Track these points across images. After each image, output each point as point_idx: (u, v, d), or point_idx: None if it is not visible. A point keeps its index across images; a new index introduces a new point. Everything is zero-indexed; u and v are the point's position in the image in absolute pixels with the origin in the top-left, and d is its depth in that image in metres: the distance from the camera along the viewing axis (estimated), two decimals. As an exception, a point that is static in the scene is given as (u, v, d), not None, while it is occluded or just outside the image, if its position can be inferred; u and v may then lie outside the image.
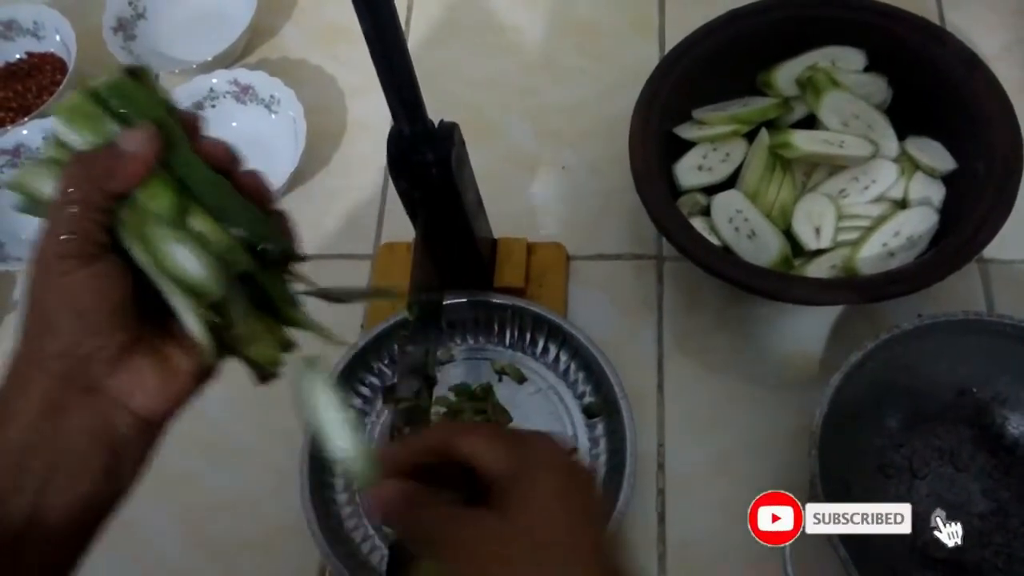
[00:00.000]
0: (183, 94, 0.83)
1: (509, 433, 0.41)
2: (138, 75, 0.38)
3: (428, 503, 0.37)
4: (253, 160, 0.87)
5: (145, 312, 0.38)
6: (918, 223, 0.65)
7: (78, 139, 0.37)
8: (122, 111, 0.37)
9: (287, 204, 0.79)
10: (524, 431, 0.41)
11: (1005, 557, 0.58)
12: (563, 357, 0.68)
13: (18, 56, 0.91)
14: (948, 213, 0.66)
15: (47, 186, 0.37)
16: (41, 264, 0.37)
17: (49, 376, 0.36)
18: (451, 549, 0.36)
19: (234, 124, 0.85)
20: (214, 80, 0.83)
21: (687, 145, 0.72)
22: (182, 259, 0.36)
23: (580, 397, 0.67)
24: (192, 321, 0.37)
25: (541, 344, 0.69)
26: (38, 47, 0.91)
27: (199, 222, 0.37)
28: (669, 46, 0.72)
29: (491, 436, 0.38)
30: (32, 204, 0.38)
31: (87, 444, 0.37)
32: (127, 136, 0.37)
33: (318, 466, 0.64)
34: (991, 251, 0.67)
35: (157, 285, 0.37)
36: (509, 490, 0.36)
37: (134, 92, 0.38)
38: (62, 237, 0.36)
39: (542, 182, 0.79)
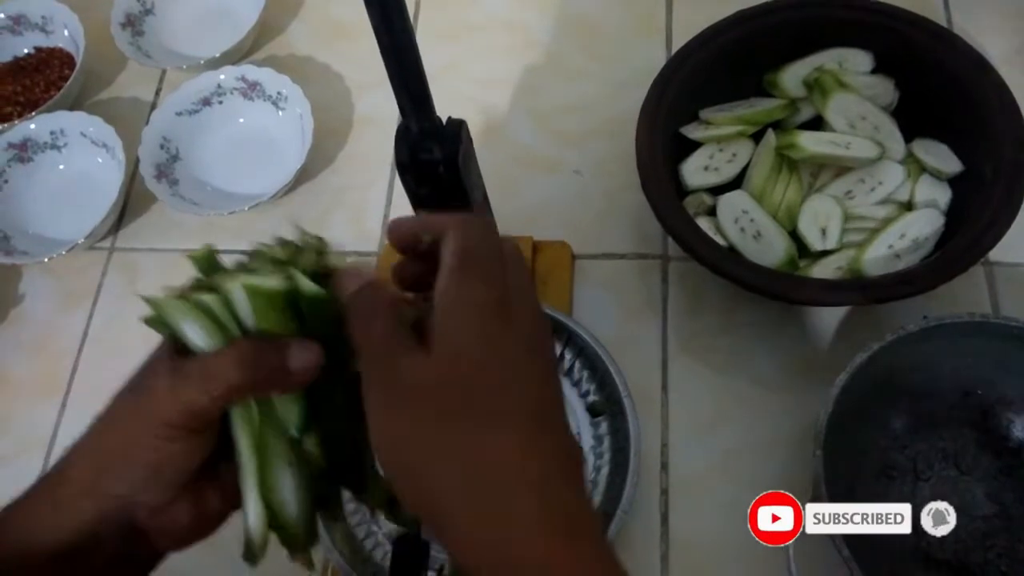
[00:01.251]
0: (190, 90, 0.83)
1: (476, 241, 0.33)
2: (321, 250, 0.37)
3: (387, 306, 0.33)
4: (259, 157, 0.89)
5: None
6: (924, 225, 0.65)
7: (250, 319, 0.35)
8: (301, 311, 0.35)
9: (293, 201, 0.80)
10: (499, 240, 0.35)
11: (1008, 560, 0.58)
12: (567, 356, 0.68)
13: (26, 50, 0.91)
14: (954, 215, 0.66)
15: (190, 329, 0.35)
16: (143, 414, 0.34)
17: (93, 508, 0.35)
18: (369, 376, 0.32)
19: (241, 120, 0.85)
20: (221, 76, 0.84)
21: (693, 145, 0.72)
22: (287, 491, 0.35)
23: (584, 396, 0.67)
24: (256, 527, 0.36)
25: (546, 343, 0.69)
26: (46, 42, 0.91)
27: (311, 443, 0.36)
28: (676, 46, 0.72)
29: (461, 225, 0.33)
30: (160, 323, 0.36)
31: (103, 570, 0.36)
32: (299, 351, 0.34)
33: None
34: (997, 254, 0.67)
35: (241, 476, 0.35)
36: (443, 305, 0.32)
37: (319, 302, 0.35)
38: (182, 407, 0.33)
39: (547, 181, 0.79)
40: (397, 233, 0.36)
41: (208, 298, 0.35)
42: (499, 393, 0.31)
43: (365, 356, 0.33)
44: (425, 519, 0.32)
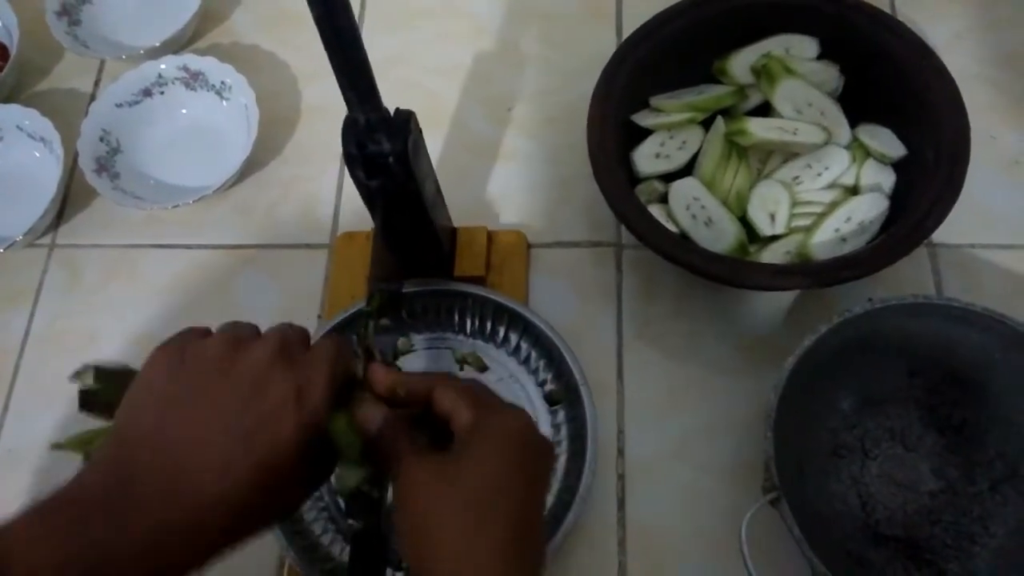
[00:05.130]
0: (130, 80, 0.81)
1: (487, 396, 0.43)
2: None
3: (402, 435, 0.41)
4: (204, 149, 0.87)
5: None
6: (869, 209, 0.66)
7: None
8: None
9: (240, 193, 0.79)
10: (506, 402, 0.44)
11: (954, 533, 0.60)
12: (524, 345, 0.68)
13: (-44, 41, 0.88)
14: (898, 199, 0.67)
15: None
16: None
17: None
18: (401, 478, 0.40)
19: (184, 111, 0.83)
20: (162, 66, 0.81)
21: (645, 133, 0.72)
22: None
23: (541, 385, 0.67)
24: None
25: (502, 332, 0.69)
26: (-23, 32, 0.88)
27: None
28: (626, 33, 0.72)
29: (464, 393, 0.42)
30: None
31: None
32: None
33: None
34: (940, 236, 0.69)
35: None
36: (466, 444, 0.40)
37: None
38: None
39: (501, 170, 0.78)
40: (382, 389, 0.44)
41: None
42: (498, 515, 0.39)
43: (404, 471, 0.40)
44: (416, 568, 0.39)
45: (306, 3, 0.45)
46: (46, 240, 0.80)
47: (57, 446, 0.41)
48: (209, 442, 0.38)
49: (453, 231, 0.71)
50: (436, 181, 0.63)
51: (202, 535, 0.37)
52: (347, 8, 0.46)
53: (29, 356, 0.75)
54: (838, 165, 0.68)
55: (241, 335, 0.42)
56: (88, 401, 0.42)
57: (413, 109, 0.55)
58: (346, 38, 0.47)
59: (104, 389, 0.42)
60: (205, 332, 0.43)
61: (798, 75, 0.70)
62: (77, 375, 0.43)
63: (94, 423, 0.42)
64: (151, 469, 0.37)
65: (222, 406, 0.39)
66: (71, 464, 0.38)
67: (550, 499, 0.63)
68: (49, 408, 0.72)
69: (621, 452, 0.66)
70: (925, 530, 0.60)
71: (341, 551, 0.63)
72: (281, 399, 0.39)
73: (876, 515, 0.61)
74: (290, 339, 0.42)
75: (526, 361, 0.68)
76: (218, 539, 0.38)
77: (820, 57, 0.72)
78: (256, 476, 0.38)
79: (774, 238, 0.67)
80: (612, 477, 0.65)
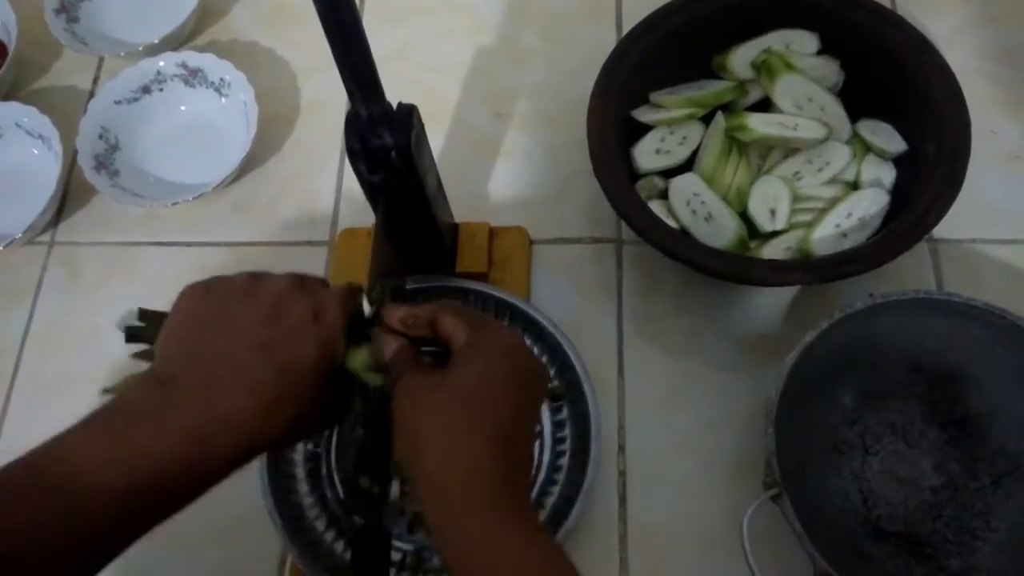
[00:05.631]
0: (129, 77, 0.81)
1: (484, 319, 0.47)
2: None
3: (413, 358, 0.46)
4: (203, 145, 0.87)
5: None
6: (870, 204, 0.66)
7: None
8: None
9: (240, 190, 0.79)
10: (499, 323, 0.49)
11: (956, 528, 0.60)
12: (527, 342, 0.68)
13: (-46, 38, 0.87)
14: (899, 194, 0.67)
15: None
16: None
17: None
18: (399, 388, 0.44)
19: (183, 108, 0.83)
20: (161, 63, 0.81)
21: (645, 128, 0.72)
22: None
23: (543, 381, 0.67)
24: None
25: (503, 329, 0.69)
26: (-25, 29, 0.87)
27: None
28: (626, 29, 0.71)
29: (463, 316, 0.46)
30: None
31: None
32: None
33: (279, 457, 0.63)
34: (940, 231, 0.69)
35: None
36: (460, 357, 0.44)
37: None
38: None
39: (502, 166, 0.78)
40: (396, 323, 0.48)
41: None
42: (484, 415, 0.42)
43: (401, 384, 0.44)
44: (409, 472, 0.43)
45: (306, -1, 0.45)
46: (45, 238, 0.80)
47: (106, 391, 0.44)
48: (236, 355, 0.42)
49: (455, 227, 0.71)
50: (438, 176, 0.63)
51: (234, 437, 0.41)
52: (350, 0, 0.46)
53: (29, 354, 0.75)
54: (839, 161, 0.68)
55: (264, 273, 0.47)
56: (134, 335, 0.47)
57: (413, 104, 0.55)
58: (349, 31, 0.47)
59: (147, 327, 0.47)
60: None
61: (798, 70, 0.70)
62: (122, 320, 0.48)
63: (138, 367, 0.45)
64: (188, 377, 0.41)
65: (246, 324, 0.43)
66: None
67: (554, 495, 0.63)
68: (49, 405, 0.72)
69: (622, 448, 0.66)
70: (927, 525, 0.60)
71: (343, 549, 0.63)
72: (299, 317, 0.44)
73: (877, 510, 0.61)
74: (307, 276, 0.47)
75: (527, 358, 0.68)
76: (248, 443, 0.41)
77: (820, 52, 0.72)
78: (279, 383, 0.42)
79: (775, 234, 0.67)
80: (613, 473, 0.65)
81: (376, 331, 0.47)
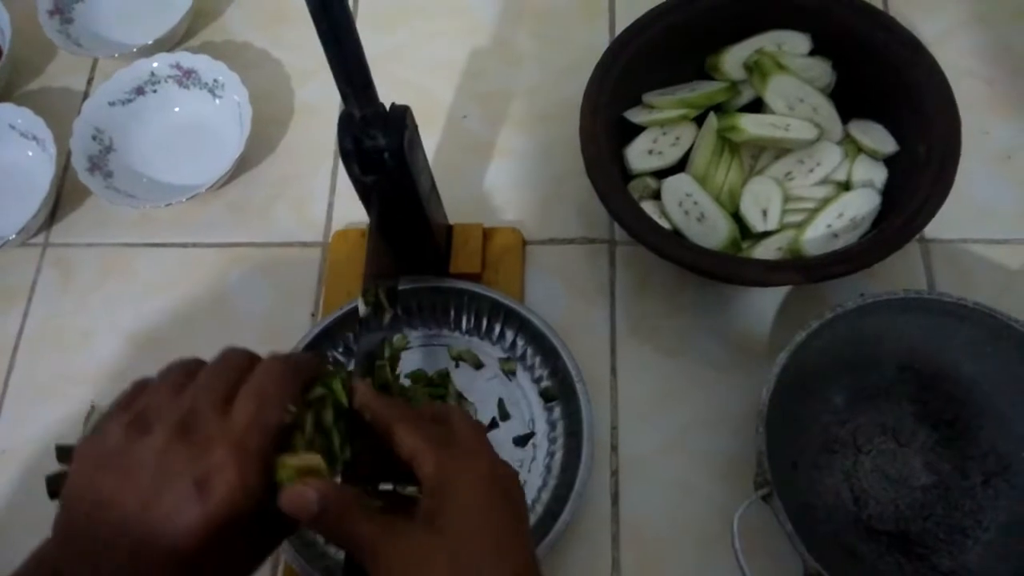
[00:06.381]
0: (123, 79, 0.81)
1: (445, 431, 0.42)
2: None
3: (359, 511, 0.38)
4: (197, 147, 0.87)
5: None
6: (861, 204, 0.67)
7: None
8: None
9: (233, 192, 0.79)
10: (466, 424, 0.43)
11: (946, 527, 0.60)
12: (520, 342, 0.68)
13: (-53, 40, 0.87)
14: (890, 194, 0.67)
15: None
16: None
17: None
18: (380, 563, 0.37)
19: (176, 109, 0.83)
20: (155, 64, 0.81)
21: (637, 129, 0.72)
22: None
23: (537, 381, 0.67)
24: None
25: (498, 329, 0.69)
26: (-31, 30, 0.87)
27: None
28: (619, 30, 0.72)
29: (425, 438, 0.40)
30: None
31: None
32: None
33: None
34: (931, 231, 0.69)
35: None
36: (437, 499, 0.38)
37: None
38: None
39: (495, 167, 0.79)
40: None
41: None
42: (489, 554, 0.38)
43: (375, 547, 0.38)
44: None
45: None
46: (39, 239, 0.80)
47: (60, 449, 0.41)
48: (115, 545, 0.36)
49: (449, 228, 0.71)
50: (432, 177, 0.63)
51: None
52: (343, 1, 0.46)
53: (23, 356, 0.75)
54: (830, 161, 0.69)
55: (145, 415, 0.38)
56: (54, 490, 0.41)
57: (407, 105, 0.55)
58: (342, 32, 0.47)
59: (61, 474, 0.41)
60: (141, 386, 0.41)
61: (790, 71, 0.70)
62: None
63: None
64: (71, 569, 0.37)
65: (124, 507, 0.36)
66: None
67: (547, 495, 0.63)
68: (43, 408, 0.72)
69: (614, 448, 0.66)
70: (917, 524, 0.60)
71: (336, 549, 0.63)
72: (179, 495, 0.36)
73: (868, 510, 0.61)
74: (199, 406, 0.38)
75: (523, 358, 0.68)
76: None
77: (812, 53, 0.72)
78: (173, 565, 0.36)
79: (766, 234, 0.67)
80: (606, 473, 0.65)
81: (293, 483, 0.38)
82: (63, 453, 0.41)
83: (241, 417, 0.37)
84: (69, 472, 0.38)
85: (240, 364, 0.40)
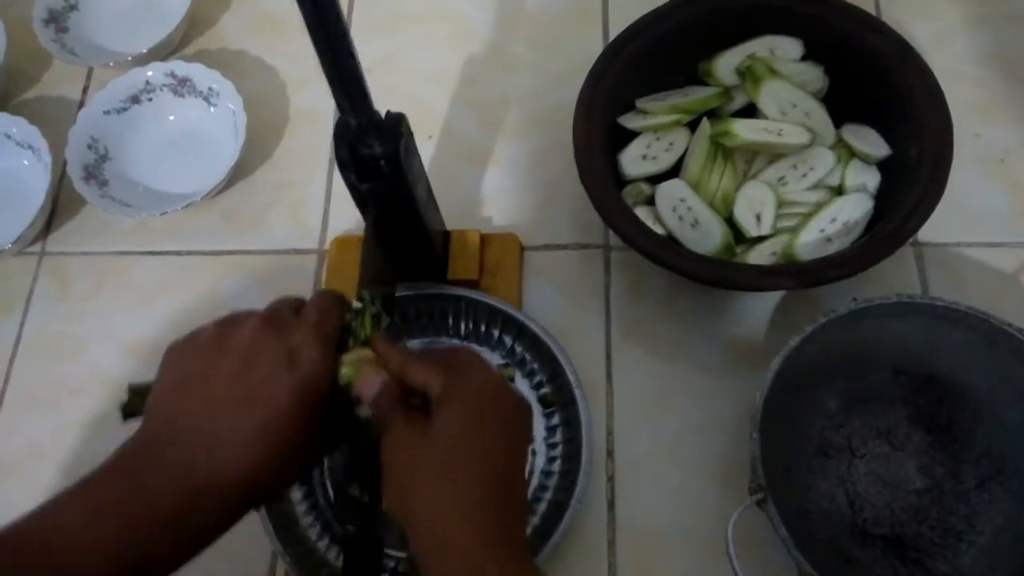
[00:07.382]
0: (118, 87, 0.81)
1: (455, 362, 0.46)
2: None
3: (396, 401, 0.44)
4: (192, 155, 0.87)
5: None
6: (854, 209, 0.67)
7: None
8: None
9: (228, 199, 0.79)
10: (471, 357, 0.46)
11: (941, 531, 0.60)
12: (518, 348, 0.68)
13: (-58, 50, 0.87)
14: (883, 199, 0.67)
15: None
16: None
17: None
18: (386, 438, 0.43)
19: (171, 118, 0.83)
20: (150, 73, 0.81)
21: (631, 135, 0.72)
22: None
23: (536, 388, 0.68)
24: None
25: (496, 336, 0.69)
26: (-36, 40, 0.87)
27: None
28: (613, 35, 0.72)
29: (433, 365, 0.45)
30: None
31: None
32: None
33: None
34: (925, 235, 0.70)
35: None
36: (440, 404, 0.43)
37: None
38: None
39: (490, 173, 0.79)
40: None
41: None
42: (472, 463, 0.42)
43: (387, 438, 0.43)
44: (402, 522, 0.42)
45: (295, 7, 0.45)
46: (36, 248, 0.80)
47: (127, 413, 0.45)
48: (214, 416, 0.41)
49: (446, 234, 0.71)
50: (428, 184, 0.63)
51: (224, 499, 0.41)
52: (337, 9, 0.46)
53: (19, 364, 0.75)
54: (823, 166, 0.69)
55: (235, 318, 0.45)
56: (130, 413, 0.46)
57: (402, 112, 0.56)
58: (337, 39, 0.47)
59: (133, 400, 0.46)
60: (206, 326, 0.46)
61: (783, 76, 0.71)
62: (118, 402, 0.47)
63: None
64: (172, 444, 0.41)
65: (220, 383, 0.42)
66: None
67: (544, 504, 0.63)
68: (40, 416, 0.72)
69: (610, 453, 0.66)
70: (912, 528, 0.60)
71: (336, 557, 0.63)
72: (272, 364, 0.42)
73: (863, 514, 0.61)
74: (277, 310, 0.45)
75: (521, 364, 0.68)
76: (240, 501, 0.41)
77: (804, 58, 0.73)
78: (261, 439, 0.41)
79: (760, 239, 0.68)
80: (602, 478, 0.65)
81: (363, 367, 0.45)
82: (136, 393, 0.45)
83: (312, 316, 0.45)
84: (160, 368, 0.44)
85: (295, 299, 0.47)
